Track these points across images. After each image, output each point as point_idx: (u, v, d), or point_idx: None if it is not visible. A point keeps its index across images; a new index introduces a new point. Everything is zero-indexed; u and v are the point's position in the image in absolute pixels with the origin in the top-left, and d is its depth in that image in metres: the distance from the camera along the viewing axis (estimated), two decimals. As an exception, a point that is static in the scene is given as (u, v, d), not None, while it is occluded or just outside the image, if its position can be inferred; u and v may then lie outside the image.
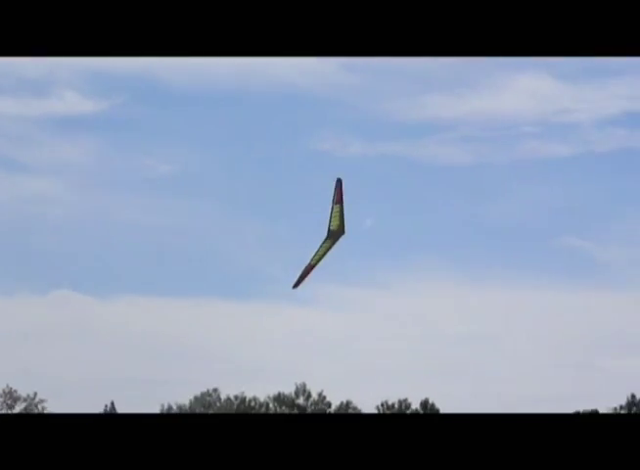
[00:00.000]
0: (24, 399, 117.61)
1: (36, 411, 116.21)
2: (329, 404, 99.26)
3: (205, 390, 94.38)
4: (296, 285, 16.46)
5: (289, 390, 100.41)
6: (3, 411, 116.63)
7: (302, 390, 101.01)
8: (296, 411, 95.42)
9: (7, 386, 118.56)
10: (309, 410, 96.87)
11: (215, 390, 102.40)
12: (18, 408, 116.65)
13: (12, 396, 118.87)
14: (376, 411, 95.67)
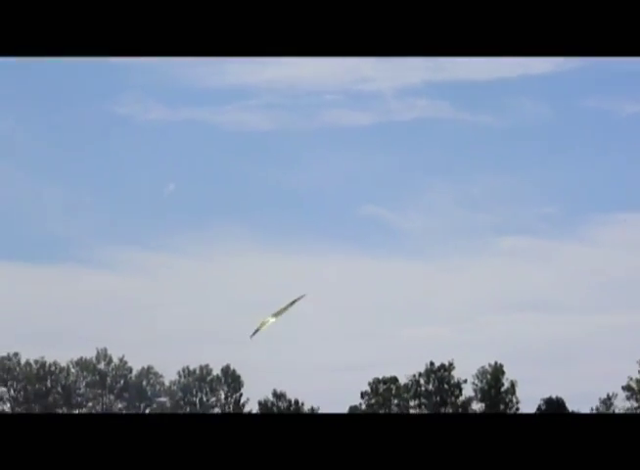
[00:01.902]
0: None
1: None
2: (130, 369, 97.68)
3: (4, 354, 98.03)
4: (252, 335, 16.21)
5: (90, 355, 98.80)
6: None
7: (104, 355, 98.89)
8: (97, 377, 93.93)
9: None
10: (110, 375, 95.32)
11: (16, 354, 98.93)
12: None
13: None
14: (177, 377, 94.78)
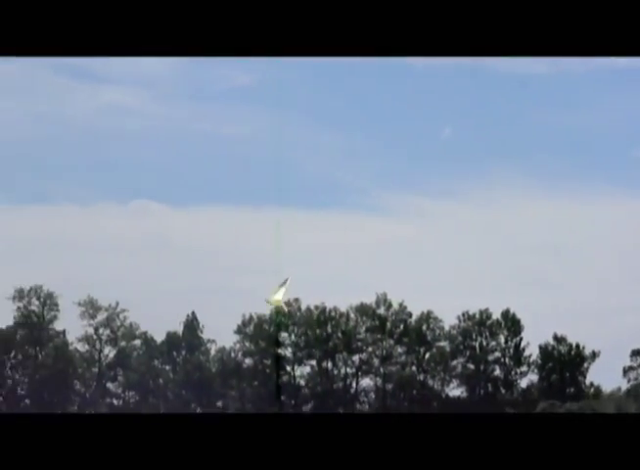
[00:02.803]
0: (106, 309, 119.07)
1: (118, 321, 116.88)
2: (409, 314, 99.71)
3: (287, 300, 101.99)
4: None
5: (369, 300, 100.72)
6: (85, 321, 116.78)
7: (383, 300, 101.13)
8: (377, 322, 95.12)
9: (88, 296, 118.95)
10: (390, 320, 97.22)
11: (297, 300, 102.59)
12: (100, 318, 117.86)
13: (93, 305, 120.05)
14: (457, 322, 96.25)
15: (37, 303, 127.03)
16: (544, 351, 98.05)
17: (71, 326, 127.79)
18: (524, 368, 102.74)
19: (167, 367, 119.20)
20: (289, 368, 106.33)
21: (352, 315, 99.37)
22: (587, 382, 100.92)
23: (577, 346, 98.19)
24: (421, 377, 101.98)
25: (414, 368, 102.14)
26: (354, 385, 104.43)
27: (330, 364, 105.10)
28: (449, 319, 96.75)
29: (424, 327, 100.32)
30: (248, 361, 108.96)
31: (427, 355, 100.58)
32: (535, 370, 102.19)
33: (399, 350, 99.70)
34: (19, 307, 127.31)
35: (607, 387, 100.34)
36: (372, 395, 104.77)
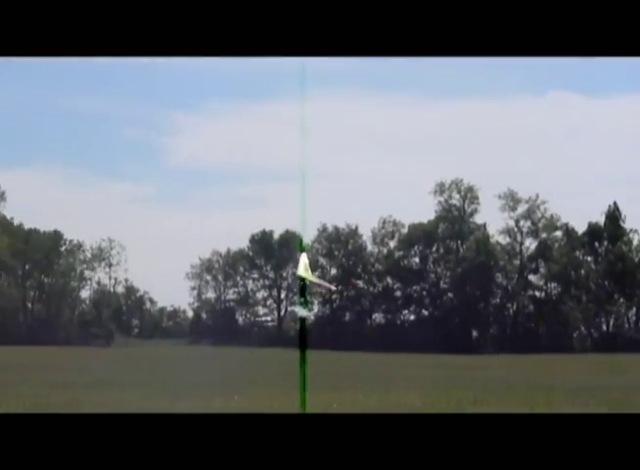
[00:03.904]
0: (526, 201, 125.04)
1: (538, 213, 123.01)
2: None
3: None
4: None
5: None
6: (505, 214, 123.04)
7: None
8: None
9: (508, 188, 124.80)
10: None
11: None
12: (520, 210, 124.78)
13: (513, 198, 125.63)
14: None
15: (458, 196, 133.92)
16: None
17: (492, 219, 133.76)
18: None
19: (589, 258, 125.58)
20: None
21: None
22: None
23: None
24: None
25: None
26: None
27: None
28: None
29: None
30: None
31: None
32: None
33: None
34: (439, 201, 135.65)
35: None
36: None
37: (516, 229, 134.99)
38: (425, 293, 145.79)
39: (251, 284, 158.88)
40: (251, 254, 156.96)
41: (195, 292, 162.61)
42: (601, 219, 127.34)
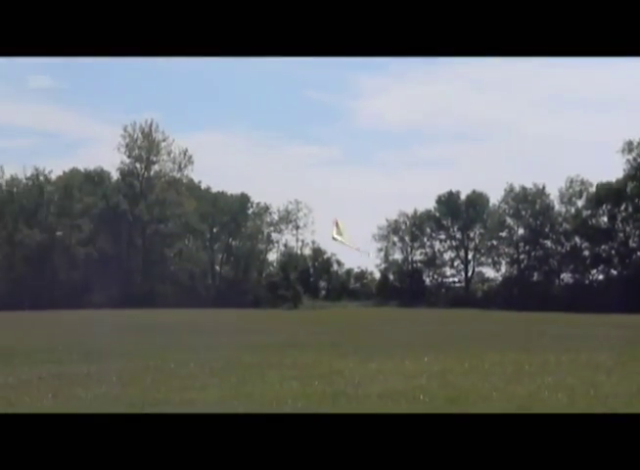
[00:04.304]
0: None
1: None
2: None
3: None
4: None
5: None
6: None
7: None
8: None
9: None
10: None
11: None
12: None
13: None
14: None
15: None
16: None
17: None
18: None
19: None
20: None
21: None
22: None
23: None
24: None
25: None
26: None
27: None
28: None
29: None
30: None
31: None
32: None
33: None
34: (628, 160, 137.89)
35: None
36: None
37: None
38: (613, 252, 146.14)
39: (437, 245, 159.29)
40: (437, 214, 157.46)
41: (382, 253, 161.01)
42: None
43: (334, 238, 14.19)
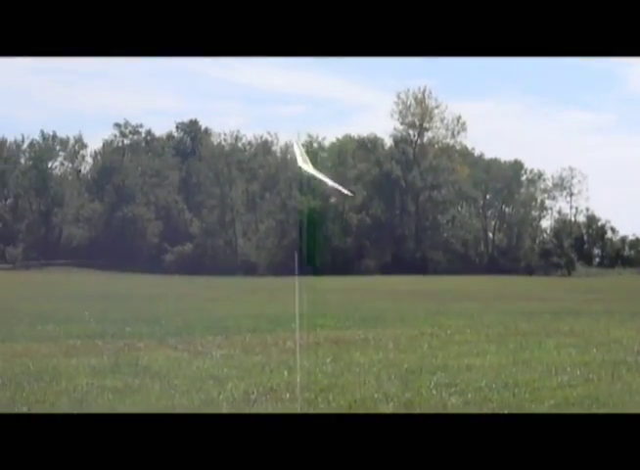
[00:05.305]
0: None
1: None
2: None
3: None
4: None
5: None
6: None
7: None
8: None
9: None
10: None
11: None
12: None
13: None
14: None
15: None
16: None
17: None
18: None
19: None
20: None
21: None
22: None
23: None
24: None
25: None
26: None
27: None
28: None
29: None
30: None
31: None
32: None
33: None
34: None
35: None
36: None
37: None
38: None
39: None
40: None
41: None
42: None
43: (300, 167, 13.66)
